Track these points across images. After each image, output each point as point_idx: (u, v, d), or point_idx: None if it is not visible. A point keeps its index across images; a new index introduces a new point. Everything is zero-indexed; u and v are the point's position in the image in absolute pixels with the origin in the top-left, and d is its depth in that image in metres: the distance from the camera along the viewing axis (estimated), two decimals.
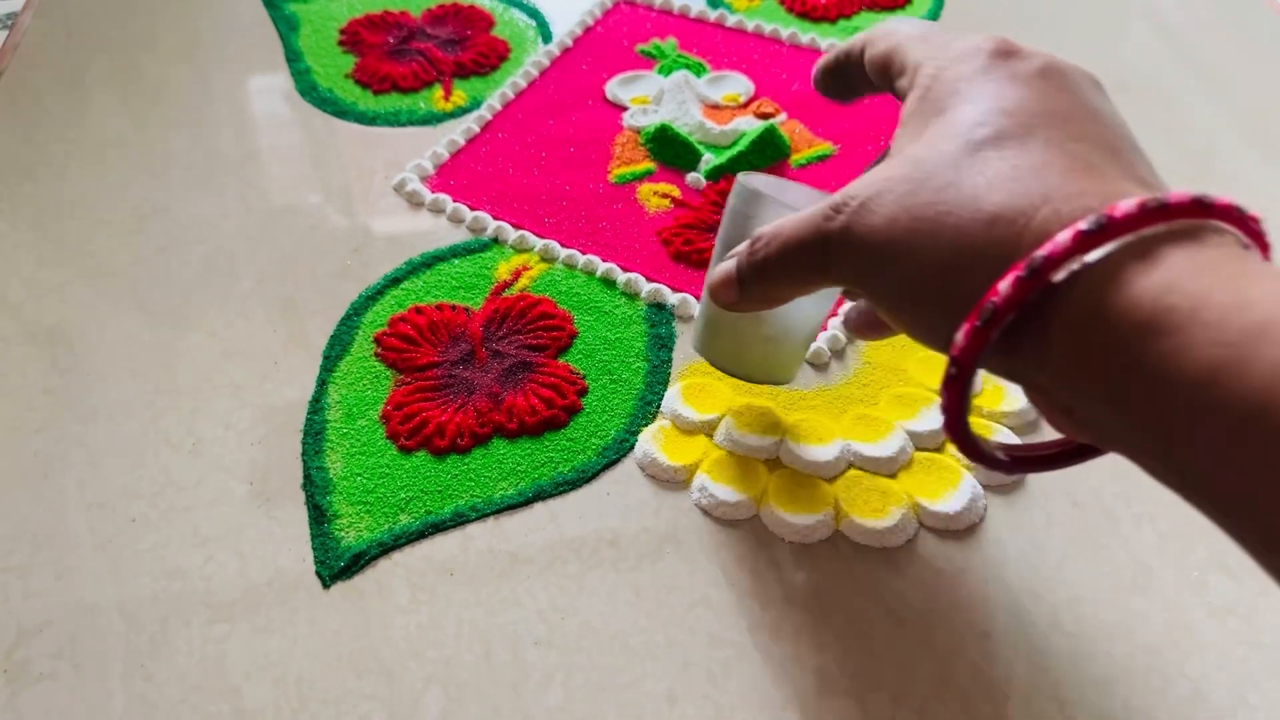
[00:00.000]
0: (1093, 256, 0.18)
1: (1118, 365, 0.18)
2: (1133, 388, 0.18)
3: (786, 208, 0.28)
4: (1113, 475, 0.35)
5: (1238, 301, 0.17)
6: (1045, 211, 0.19)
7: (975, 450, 0.23)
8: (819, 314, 0.32)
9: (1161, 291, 0.18)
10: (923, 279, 0.21)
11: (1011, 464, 0.24)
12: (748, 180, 0.31)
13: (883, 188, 0.23)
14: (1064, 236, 0.18)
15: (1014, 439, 0.36)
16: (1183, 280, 0.18)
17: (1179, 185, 0.20)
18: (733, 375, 0.34)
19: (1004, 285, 0.19)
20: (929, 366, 0.39)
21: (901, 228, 0.22)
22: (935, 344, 0.22)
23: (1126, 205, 0.18)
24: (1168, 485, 0.19)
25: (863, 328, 0.32)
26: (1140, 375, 0.18)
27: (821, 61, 0.31)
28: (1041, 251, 0.19)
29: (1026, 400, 0.37)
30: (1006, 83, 0.23)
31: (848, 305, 0.34)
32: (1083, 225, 0.18)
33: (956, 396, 0.21)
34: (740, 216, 0.31)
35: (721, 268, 0.28)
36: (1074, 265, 0.19)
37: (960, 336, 0.20)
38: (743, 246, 0.27)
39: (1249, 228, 0.19)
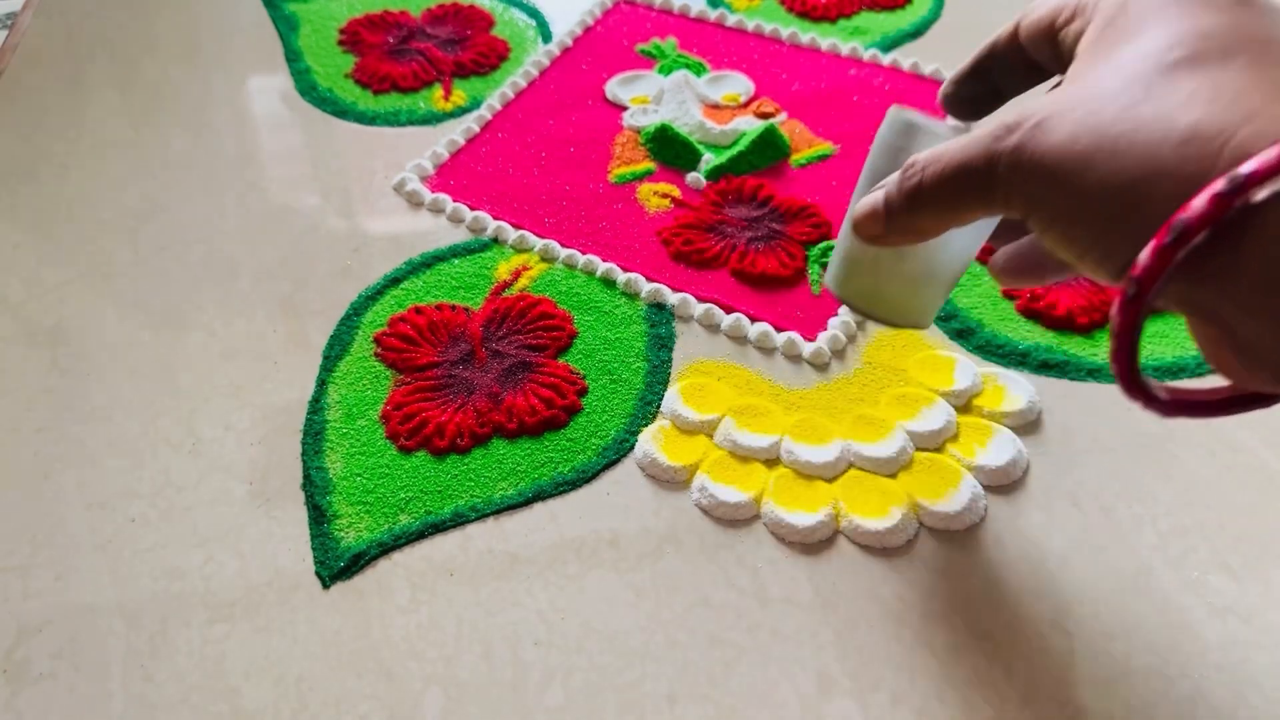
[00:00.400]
0: None
1: None
2: None
3: (943, 138, 0.27)
4: (1113, 475, 0.35)
5: None
6: (1247, 130, 0.18)
7: (1137, 384, 0.21)
8: (968, 252, 0.30)
9: None
10: (1103, 199, 0.20)
11: (1171, 405, 0.22)
12: (901, 113, 0.29)
13: (1063, 106, 0.21)
14: (1271, 153, 0.17)
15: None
16: None
17: None
18: (867, 316, 0.32)
19: (1199, 201, 0.18)
20: (929, 367, 0.39)
21: (1082, 146, 0.20)
22: (1109, 270, 0.21)
23: None
24: None
25: (1016, 271, 0.30)
26: None
27: (958, 71, 0.29)
28: (1245, 167, 0.18)
29: (1027, 401, 0.37)
30: (1201, 9, 0.22)
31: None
32: None
33: (1134, 317, 0.20)
34: (891, 149, 0.29)
35: (867, 199, 0.27)
36: (1278, 185, 0.17)
37: (1145, 255, 0.19)
38: (893, 177, 0.26)
39: None
